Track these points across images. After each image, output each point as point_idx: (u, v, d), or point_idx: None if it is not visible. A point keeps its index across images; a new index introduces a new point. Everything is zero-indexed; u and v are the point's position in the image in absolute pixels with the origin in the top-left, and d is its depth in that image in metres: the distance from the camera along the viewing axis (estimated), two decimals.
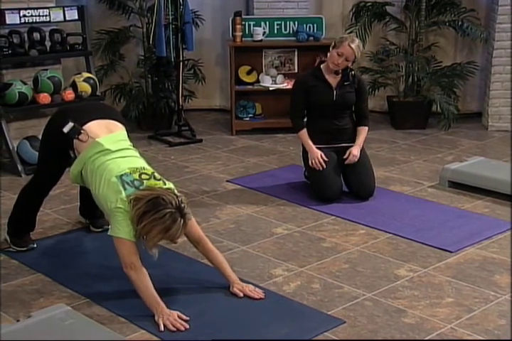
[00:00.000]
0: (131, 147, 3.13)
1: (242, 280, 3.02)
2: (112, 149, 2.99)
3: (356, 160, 4.14)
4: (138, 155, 3.10)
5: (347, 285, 3.08)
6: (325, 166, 4.08)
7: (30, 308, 2.87)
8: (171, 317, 2.70)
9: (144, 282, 2.75)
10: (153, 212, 2.67)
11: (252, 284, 3.02)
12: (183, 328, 2.67)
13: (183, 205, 2.73)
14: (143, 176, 2.87)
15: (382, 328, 2.72)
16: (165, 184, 2.89)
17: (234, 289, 2.94)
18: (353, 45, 3.96)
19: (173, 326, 2.67)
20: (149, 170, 2.95)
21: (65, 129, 3.05)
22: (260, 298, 2.91)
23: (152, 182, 2.86)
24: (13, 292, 3.02)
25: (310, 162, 4.10)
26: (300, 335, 2.68)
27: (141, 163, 3.00)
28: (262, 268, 3.26)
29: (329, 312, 2.85)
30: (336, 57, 4.00)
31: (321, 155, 4.09)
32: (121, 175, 2.85)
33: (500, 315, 2.82)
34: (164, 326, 2.68)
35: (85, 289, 3.03)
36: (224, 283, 3.00)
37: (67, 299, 2.95)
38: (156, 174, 2.94)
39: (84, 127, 3.05)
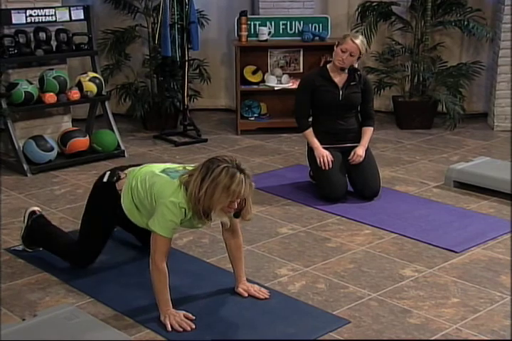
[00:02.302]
0: None
1: (247, 279, 3.01)
2: (149, 165, 3.02)
3: (361, 160, 4.13)
4: None
5: (352, 285, 3.08)
6: (331, 165, 4.08)
7: (35, 307, 2.88)
8: (177, 317, 2.70)
9: (162, 283, 2.73)
10: (209, 173, 2.57)
11: (257, 284, 3.02)
12: (189, 328, 2.67)
13: (238, 162, 2.64)
14: (187, 167, 2.82)
15: (387, 328, 2.72)
16: None
17: (239, 289, 2.94)
18: (355, 40, 3.99)
19: (180, 326, 2.67)
20: (193, 166, 2.87)
21: (105, 179, 3.06)
22: (265, 298, 2.91)
23: None
24: (19, 291, 3.03)
25: (318, 161, 4.10)
26: (305, 335, 2.67)
27: (182, 165, 2.96)
28: (267, 267, 3.26)
29: (334, 312, 2.84)
30: (340, 54, 4.02)
31: (328, 155, 4.10)
32: (164, 169, 2.84)
33: (506, 315, 2.81)
34: (171, 326, 2.68)
35: (91, 288, 3.03)
36: (230, 282, 3.00)
37: (72, 298, 2.96)
38: None
39: (122, 171, 3.08)
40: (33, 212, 3.41)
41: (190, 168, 2.79)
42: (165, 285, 2.73)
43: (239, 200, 2.67)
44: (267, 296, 2.92)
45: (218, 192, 2.58)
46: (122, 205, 2.98)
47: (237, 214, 2.80)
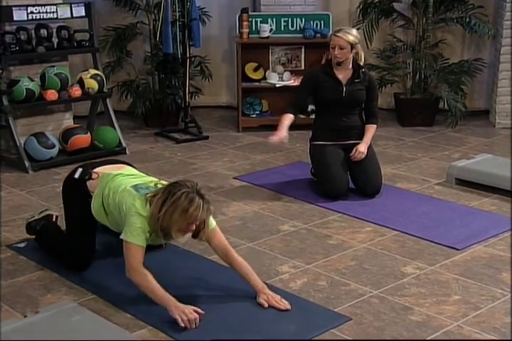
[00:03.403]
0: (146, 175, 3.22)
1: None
2: (124, 173, 3.10)
3: (362, 157, 4.13)
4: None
5: (353, 283, 3.08)
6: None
7: (37, 304, 2.88)
8: (186, 310, 2.68)
9: (150, 283, 2.75)
10: (170, 196, 2.71)
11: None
12: (196, 317, 2.65)
13: (199, 188, 2.77)
14: (159, 185, 2.93)
15: (389, 325, 2.72)
16: None
17: (260, 300, 2.86)
18: (338, 34, 4.04)
19: (188, 318, 2.65)
20: (164, 183, 2.99)
21: (76, 175, 3.14)
22: (286, 310, 2.81)
23: None
24: (21, 288, 3.03)
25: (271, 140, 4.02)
26: (306, 332, 2.68)
27: (155, 179, 3.07)
28: (269, 265, 3.26)
29: (335, 310, 2.85)
30: (331, 51, 4.08)
31: (284, 138, 4.03)
32: (135, 184, 2.94)
33: (507, 312, 2.81)
34: (181, 319, 2.65)
35: (92, 285, 3.04)
36: (230, 279, 3.00)
37: (74, 295, 2.96)
38: None
39: (94, 170, 3.16)
40: (51, 216, 3.45)
41: (160, 186, 2.89)
42: (155, 284, 2.74)
43: (197, 223, 2.78)
44: (288, 308, 2.82)
45: (177, 214, 2.71)
46: (91, 206, 3.05)
47: (196, 235, 2.90)
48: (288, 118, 4.13)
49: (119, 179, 3.03)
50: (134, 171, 3.22)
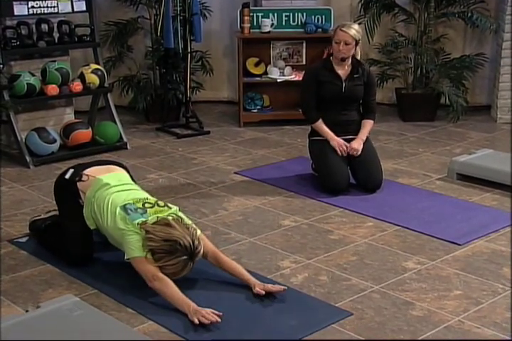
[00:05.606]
0: (133, 183, 3.25)
1: (249, 271, 3.00)
2: (112, 184, 3.12)
3: (356, 153, 4.12)
4: (139, 188, 3.22)
5: (354, 278, 3.08)
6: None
7: (39, 299, 2.89)
8: (203, 312, 2.68)
9: (169, 288, 2.77)
10: (168, 256, 2.79)
11: (260, 276, 3.02)
12: (216, 319, 2.64)
13: (195, 246, 2.80)
14: (146, 205, 2.98)
15: (390, 320, 2.73)
16: (170, 208, 3.00)
17: (256, 289, 2.87)
18: (344, 29, 4.01)
19: (207, 320, 2.65)
20: (152, 199, 3.05)
21: (67, 175, 3.22)
22: (283, 290, 2.86)
23: (157, 209, 2.96)
24: (22, 282, 3.04)
25: (338, 151, 4.09)
26: (307, 327, 2.68)
27: (143, 194, 3.12)
28: (270, 260, 3.27)
29: (337, 305, 2.85)
30: (335, 46, 4.05)
31: (344, 143, 4.12)
32: (125, 204, 2.97)
33: (508, 307, 2.81)
34: (198, 320, 2.65)
35: (94, 280, 3.04)
36: (229, 276, 2.99)
37: (75, 290, 2.97)
38: (159, 202, 3.04)
39: (85, 171, 3.21)
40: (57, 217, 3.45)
41: (148, 210, 2.93)
42: (173, 288, 2.77)
43: None
44: (285, 288, 2.87)
45: (167, 271, 2.81)
46: (84, 212, 3.12)
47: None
48: (323, 125, 4.15)
49: (107, 193, 3.06)
50: (122, 177, 3.25)
